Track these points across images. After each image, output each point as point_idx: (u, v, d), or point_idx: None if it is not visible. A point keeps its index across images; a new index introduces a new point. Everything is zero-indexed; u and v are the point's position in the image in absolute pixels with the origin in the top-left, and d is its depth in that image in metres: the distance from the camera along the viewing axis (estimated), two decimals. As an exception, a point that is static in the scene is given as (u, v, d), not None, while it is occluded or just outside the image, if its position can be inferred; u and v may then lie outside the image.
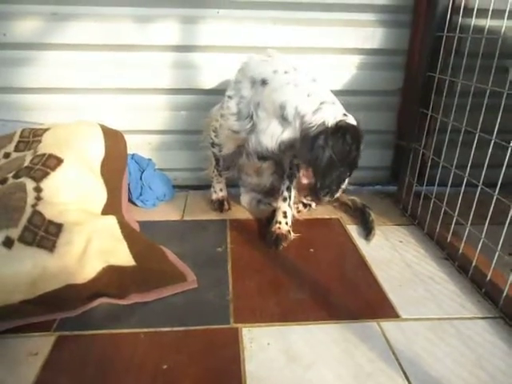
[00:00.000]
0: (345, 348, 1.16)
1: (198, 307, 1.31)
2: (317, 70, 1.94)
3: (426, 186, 1.80)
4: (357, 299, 1.37)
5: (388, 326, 1.25)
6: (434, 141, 1.77)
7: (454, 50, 1.65)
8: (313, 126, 1.40)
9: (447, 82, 1.67)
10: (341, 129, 1.40)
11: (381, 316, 1.29)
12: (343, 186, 1.59)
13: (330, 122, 1.40)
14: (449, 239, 1.62)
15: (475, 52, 1.50)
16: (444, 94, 1.68)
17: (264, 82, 1.50)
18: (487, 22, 1.44)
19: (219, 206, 1.95)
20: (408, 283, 1.46)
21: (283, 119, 1.46)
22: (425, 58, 1.83)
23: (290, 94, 1.45)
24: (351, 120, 1.46)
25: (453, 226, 1.59)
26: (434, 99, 1.75)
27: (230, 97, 1.60)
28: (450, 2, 1.65)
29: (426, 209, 1.77)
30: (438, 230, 1.69)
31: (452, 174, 1.59)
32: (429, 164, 1.80)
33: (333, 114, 1.43)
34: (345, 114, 1.46)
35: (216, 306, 1.31)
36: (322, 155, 1.39)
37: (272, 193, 1.93)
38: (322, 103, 1.43)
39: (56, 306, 1.26)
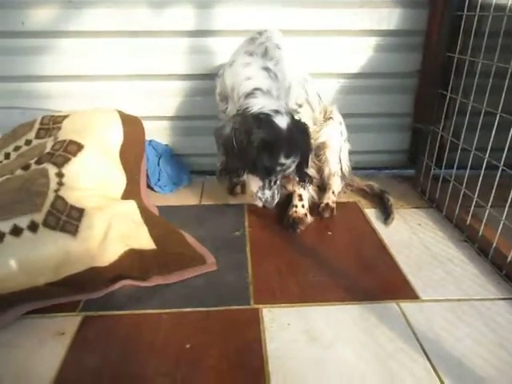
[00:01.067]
0: (365, 328, 1.17)
1: (218, 289, 1.33)
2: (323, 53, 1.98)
3: (445, 169, 1.78)
4: (376, 281, 1.37)
5: (408, 306, 1.25)
6: (453, 123, 1.74)
7: (474, 30, 1.61)
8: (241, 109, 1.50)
9: (467, 62, 1.64)
10: (254, 120, 1.44)
11: (400, 297, 1.29)
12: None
13: (254, 109, 1.46)
14: (468, 221, 1.61)
15: (496, 31, 1.47)
16: (464, 74, 1.65)
17: (230, 64, 1.62)
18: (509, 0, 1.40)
19: (231, 189, 1.97)
20: (427, 265, 1.45)
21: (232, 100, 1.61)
22: (443, 38, 1.81)
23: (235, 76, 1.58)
24: (282, 121, 1.45)
25: (472, 207, 1.57)
26: (453, 80, 1.72)
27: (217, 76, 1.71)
28: (470, -20, 1.61)
29: (445, 191, 1.76)
30: (457, 212, 1.67)
31: (471, 156, 1.58)
32: (448, 146, 1.77)
33: (263, 104, 1.47)
34: (277, 111, 1.46)
35: (236, 287, 1.33)
36: (227, 135, 1.47)
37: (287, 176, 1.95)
38: (255, 89, 1.51)
39: (80, 288, 1.29)
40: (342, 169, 1.83)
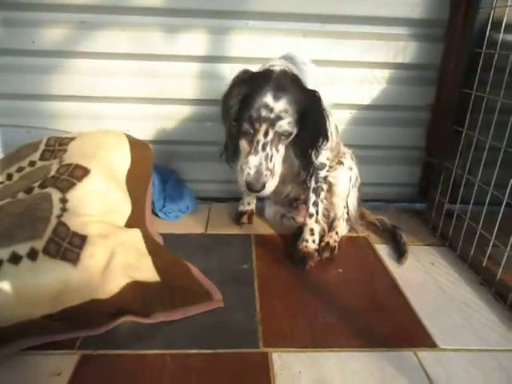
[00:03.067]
0: (381, 379, 1.10)
1: (225, 328, 1.26)
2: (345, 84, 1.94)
3: (457, 204, 1.74)
4: (391, 325, 1.31)
5: (425, 356, 1.18)
6: (469, 159, 1.70)
7: (494, 67, 1.59)
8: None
9: (485, 99, 1.61)
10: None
11: (417, 345, 1.22)
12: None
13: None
14: (484, 263, 1.55)
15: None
16: (482, 112, 1.62)
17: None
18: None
19: (237, 218, 1.91)
20: (443, 309, 1.39)
21: None
22: (460, 74, 1.79)
23: None
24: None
25: (489, 249, 1.52)
26: (469, 116, 1.69)
27: None
28: (491, 17, 1.59)
29: (458, 228, 1.70)
30: (472, 253, 1.62)
31: (489, 195, 1.53)
32: (463, 183, 1.73)
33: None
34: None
35: (244, 327, 1.26)
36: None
37: (296, 206, 1.89)
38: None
39: (79, 323, 1.22)
40: (348, 213, 1.80)
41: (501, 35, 1.56)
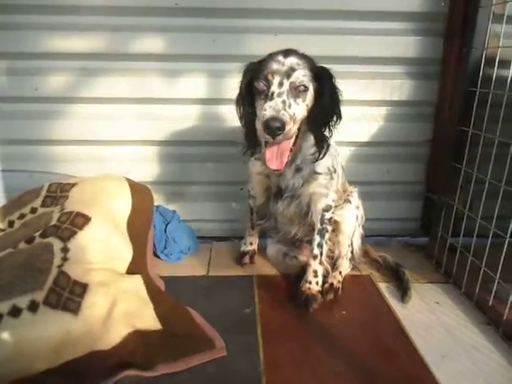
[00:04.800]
0: (390, 434, 1.07)
1: (228, 380, 1.23)
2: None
3: (460, 237, 1.73)
4: (397, 372, 1.27)
5: (435, 407, 1.15)
6: (470, 194, 1.70)
7: (489, 104, 1.61)
8: None
9: (482, 137, 1.62)
10: None
11: (425, 394, 1.19)
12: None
13: None
14: (490, 302, 1.53)
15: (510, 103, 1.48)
16: (480, 148, 1.63)
17: None
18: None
19: (239, 258, 1.91)
20: (451, 353, 1.36)
21: None
22: (456, 111, 1.81)
23: None
24: None
25: (495, 287, 1.50)
26: (468, 152, 1.70)
27: None
28: (483, 57, 1.62)
29: (462, 265, 1.69)
30: (477, 291, 1.59)
31: (491, 232, 1.53)
32: (465, 218, 1.72)
33: None
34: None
35: (247, 378, 1.23)
36: None
37: (298, 245, 1.89)
38: None
39: (80, 378, 1.19)
40: (352, 252, 1.79)
41: (494, 73, 1.58)
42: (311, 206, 1.64)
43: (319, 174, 1.56)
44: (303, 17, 1.89)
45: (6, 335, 1.19)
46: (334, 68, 1.91)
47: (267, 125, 1.27)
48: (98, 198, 1.57)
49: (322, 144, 1.48)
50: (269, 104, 1.30)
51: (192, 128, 2.00)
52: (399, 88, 2.00)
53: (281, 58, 1.35)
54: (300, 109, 1.37)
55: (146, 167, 2.03)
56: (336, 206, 1.67)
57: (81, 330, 1.28)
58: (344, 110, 1.97)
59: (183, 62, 1.91)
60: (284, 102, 1.31)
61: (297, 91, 1.35)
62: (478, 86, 1.65)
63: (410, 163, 2.11)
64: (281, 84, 1.33)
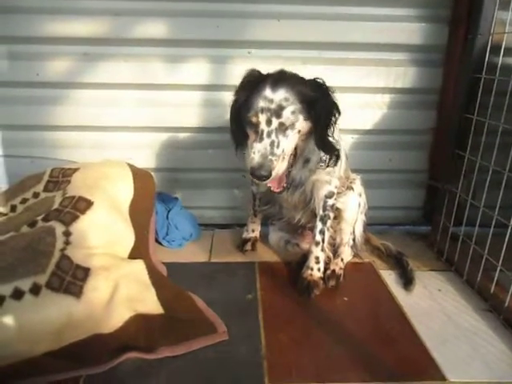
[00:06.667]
0: (391, 417, 1.08)
1: (230, 364, 1.23)
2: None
3: (462, 226, 1.73)
4: (398, 357, 1.28)
5: (435, 390, 1.16)
6: (473, 183, 1.69)
7: (494, 91, 1.59)
8: None
9: (486, 124, 1.61)
10: None
11: (426, 378, 1.20)
12: None
13: None
14: (492, 289, 1.53)
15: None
16: (484, 135, 1.62)
17: None
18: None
19: (241, 245, 1.91)
20: (451, 339, 1.36)
21: None
22: (460, 99, 1.79)
23: None
24: None
25: (497, 275, 1.50)
26: (472, 140, 1.69)
27: None
28: (489, 43, 1.61)
29: (464, 253, 1.69)
30: (479, 278, 1.60)
31: (494, 220, 1.52)
32: (467, 206, 1.72)
33: None
34: None
35: (249, 362, 1.24)
36: None
37: (300, 232, 1.89)
38: None
39: (82, 360, 1.20)
40: (354, 239, 1.79)
41: (500, 59, 1.56)
42: (313, 193, 1.64)
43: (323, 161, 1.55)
44: (306, 2, 1.87)
45: (8, 318, 1.19)
46: (337, 54, 1.93)
47: (253, 173, 1.31)
48: (101, 183, 1.57)
49: (331, 153, 1.47)
50: (257, 147, 1.32)
51: (195, 114, 1.99)
52: (403, 75, 1.98)
53: (268, 92, 1.33)
54: (291, 140, 1.37)
55: (148, 153, 2.03)
56: (339, 193, 1.67)
57: (83, 313, 1.28)
58: (347, 97, 1.99)
59: (186, 47, 1.90)
60: (272, 144, 1.32)
61: (285, 126, 1.35)
62: (484, 72, 1.64)
63: (413, 151, 2.10)
64: (269, 122, 1.33)
